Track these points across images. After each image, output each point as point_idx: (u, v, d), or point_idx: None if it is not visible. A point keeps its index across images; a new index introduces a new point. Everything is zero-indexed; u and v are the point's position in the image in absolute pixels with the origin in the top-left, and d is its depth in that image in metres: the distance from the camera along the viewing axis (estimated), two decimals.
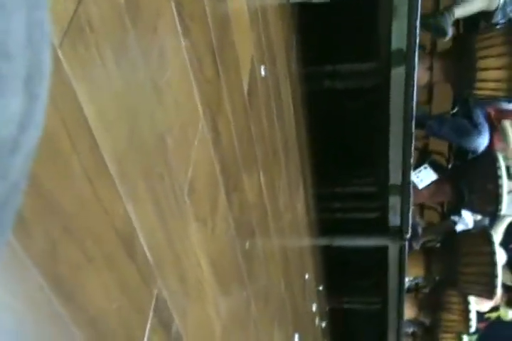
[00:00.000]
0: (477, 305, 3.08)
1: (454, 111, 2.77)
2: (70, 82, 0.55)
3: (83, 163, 0.58)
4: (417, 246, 2.99)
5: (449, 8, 2.32)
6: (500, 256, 2.72)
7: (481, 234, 2.78)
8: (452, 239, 2.90)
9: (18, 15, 0.17)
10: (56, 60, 0.52)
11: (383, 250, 2.63)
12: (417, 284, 3.43)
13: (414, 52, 1.88)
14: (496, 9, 2.33)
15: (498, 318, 3.47)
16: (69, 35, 0.54)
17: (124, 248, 0.67)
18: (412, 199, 2.34)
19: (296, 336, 2.20)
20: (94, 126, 0.59)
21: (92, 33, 0.59)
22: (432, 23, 2.27)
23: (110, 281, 0.64)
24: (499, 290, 2.73)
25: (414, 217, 2.73)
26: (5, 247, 0.47)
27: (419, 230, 3.06)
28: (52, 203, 0.53)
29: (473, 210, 2.83)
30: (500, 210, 2.52)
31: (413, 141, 2.13)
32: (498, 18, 2.36)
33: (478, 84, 2.22)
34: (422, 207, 3.37)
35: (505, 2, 2.34)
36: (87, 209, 0.59)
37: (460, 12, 2.32)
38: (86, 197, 0.59)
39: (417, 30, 1.84)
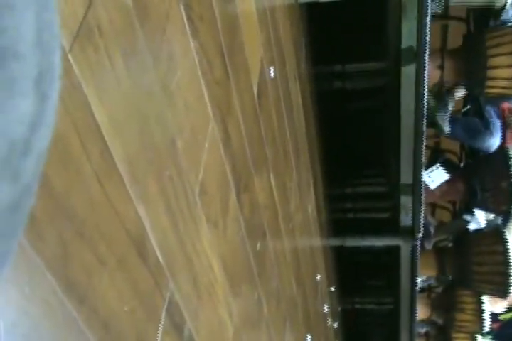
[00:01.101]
0: (491, 305, 3.05)
1: (465, 109, 2.75)
2: (81, 85, 0.55)
3: (94, 165, 0.58)
4: (429, 246, 2.97)
5: (449, 97, 2.37)
6: None
7: (494, 233, 2.76)
8: (465, 238, 2.87)
9: (28, 16, 0.17)
10: (66, 63, 0.52)
11: (395, 250, 2.62)
12: (429, 284, 3.41)
13: (425, 50, 1.87)
14: (505, 6, 2.31)
15: None
16: (79, 39, 0.54)
17: (135, 250, 0.67)
18: (423, 198, 2.33)
19: (309, 337, 2.19)
20: (105, 128, 0.60)
21: (102, 37, 0.59)
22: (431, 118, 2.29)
23: (122, 284, 0.64)
24: None
25: (426, 217, 2.72)
26: (17, 249, 0.47)
27: (431, 230, 3.04)
28: (64, 205, 0.53)
29: (486, 209, 2.81)
30: None
31: (424, 140, 2.12)
32: (510, 15, 2.34)
33: (489, 83, 2.20)
34: (433, 207, 3.35)
35: None
36: (98, 212, 0.59)
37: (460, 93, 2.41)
38: (97, 199, 0.59)
39: (427, 28, 1.83)
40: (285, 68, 1.67)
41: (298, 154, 1.90)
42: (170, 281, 0.77)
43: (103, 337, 0.59)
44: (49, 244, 0.51)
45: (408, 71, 1.97)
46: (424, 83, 1.95)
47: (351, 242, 2.82)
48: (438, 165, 2.60)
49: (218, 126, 0.98)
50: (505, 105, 2.60)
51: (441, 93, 2.37)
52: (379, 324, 4.13)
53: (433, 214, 3.40)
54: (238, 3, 1.12)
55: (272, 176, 1.44)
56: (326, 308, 2.83)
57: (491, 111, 2.58)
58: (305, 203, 2.11)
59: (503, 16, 2.32)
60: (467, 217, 3.03)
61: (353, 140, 3.19)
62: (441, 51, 2.36)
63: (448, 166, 2.63)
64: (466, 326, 3.12)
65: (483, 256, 2.73)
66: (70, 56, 0.53)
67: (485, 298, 2.99)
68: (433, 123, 2.30)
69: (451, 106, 2.41)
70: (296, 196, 1.87)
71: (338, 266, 3.29)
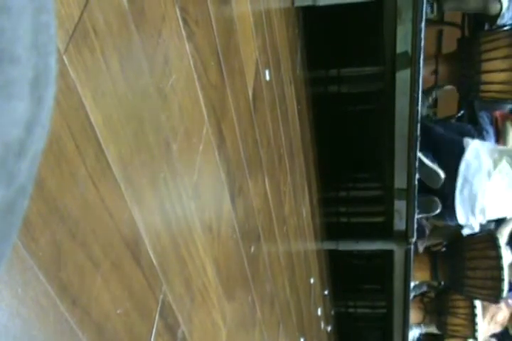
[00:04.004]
0: (488, 325, 3.04)
1: (460, 114, 2.76)
2: (76, 87, 0.55)
3: (88, 167, 0.58)
4: (421, 246, 2.97)
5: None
6: (506, 258, 2.71)
7: (487, 238, 2.76)
8: (458, 242, 2.88)
9: (24, 19, 0.17)
10: (61, 65, 0.52)
11: (389, 254, 2.62)
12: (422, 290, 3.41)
13: (420, 55, 1.88)
14: (501, 11, 2.32)
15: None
16: (74, 41, 0.54)
17: (129, 252, 0.67)
18: (417, 203, 2.33)
19: (302, 340, 2.19)
20: (100, 130, 0.60)
21: (97, 38, 0.59)
22: None
23: (116, 286, 0.64)
24: (505, 293, 2.71)
25: (421, 219, 2.72)
26: (11, 251, 0.47)
27: (427, 231, 3.04)
28: (58, 207, 0.53)
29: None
30: None
31: (418, 145, 2.13)
32: (505, 20, 2.34)
33: (484, 87, 2.21)
34: None
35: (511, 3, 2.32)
36: (92, 214, 0.59)
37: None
38: (91, 201, 0.59)
39: (422, 33, 1.84)
40: (280, 71, 1.67)
41: (292, 158, 1.90)
42: (163, 284, 0.76)
43: (96, 339, 0.59)
44: (42, 245, 0.50)
45: (403, 76, 1.98)
46: (418, 88, 1.95)
47: (345, 246, 2.82)
48: None
49: (213, 129, 0.98)
50: (498, 113, 2.62)
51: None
52: (372, 327, 4.13)
53: (427, 218, 3.40)
54: (234, 6, 1.12)
55: (266, 179, 1.44)
56: (319, 312, 2.83)
57: (484, 117, 2.59)
58: (299, 207, 2.11)
59: (499, 21, 2.33)
60: None
61: (347, 144, 3.20)
62: (436, 56, 2.37)
63: None
64: (458, 330, 3.12)
65: (476, 261, 2.73)
66: (65, 58, 0.53)
67: (477, 302, 3.00)
68: None
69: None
70: (290, 200, 1.87)
71: (332, 269, 3.29)
